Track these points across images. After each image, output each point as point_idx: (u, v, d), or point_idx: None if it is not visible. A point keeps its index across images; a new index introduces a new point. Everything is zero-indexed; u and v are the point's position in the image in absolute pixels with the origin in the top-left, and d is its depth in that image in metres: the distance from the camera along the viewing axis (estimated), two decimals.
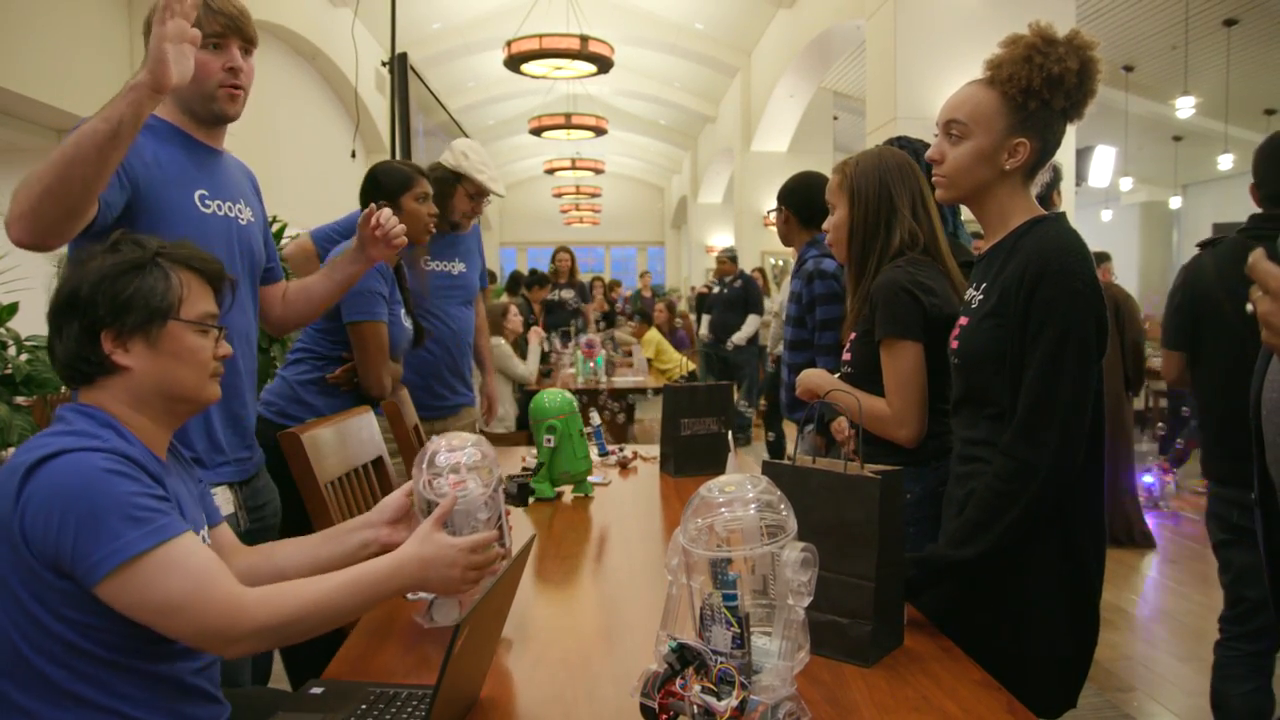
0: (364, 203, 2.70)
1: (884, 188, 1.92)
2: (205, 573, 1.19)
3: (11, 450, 2.48)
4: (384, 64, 4.74)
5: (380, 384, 2.46)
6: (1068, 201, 4.64)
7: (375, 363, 2.44)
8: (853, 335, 1.97)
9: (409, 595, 1.44)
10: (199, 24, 1.71)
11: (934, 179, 1.62)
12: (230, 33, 1.76)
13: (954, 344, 1.60)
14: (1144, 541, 4.98)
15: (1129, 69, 11.16)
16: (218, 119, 1.82)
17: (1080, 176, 8.37)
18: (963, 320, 1.60)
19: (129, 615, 1.17)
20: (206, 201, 1.79)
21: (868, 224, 1.93)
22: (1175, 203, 15.15)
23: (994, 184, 1.56)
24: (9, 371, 2.45)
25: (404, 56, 4.70)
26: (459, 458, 1.42)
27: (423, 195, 2.66)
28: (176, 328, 1.30)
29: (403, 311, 2.68)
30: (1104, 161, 9.00)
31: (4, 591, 1.18)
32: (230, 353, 1.42)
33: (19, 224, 1.43)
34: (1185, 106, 10.59)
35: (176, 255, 1.33)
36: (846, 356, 1.99)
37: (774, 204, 2.94)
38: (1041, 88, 1.48)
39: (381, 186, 2.65)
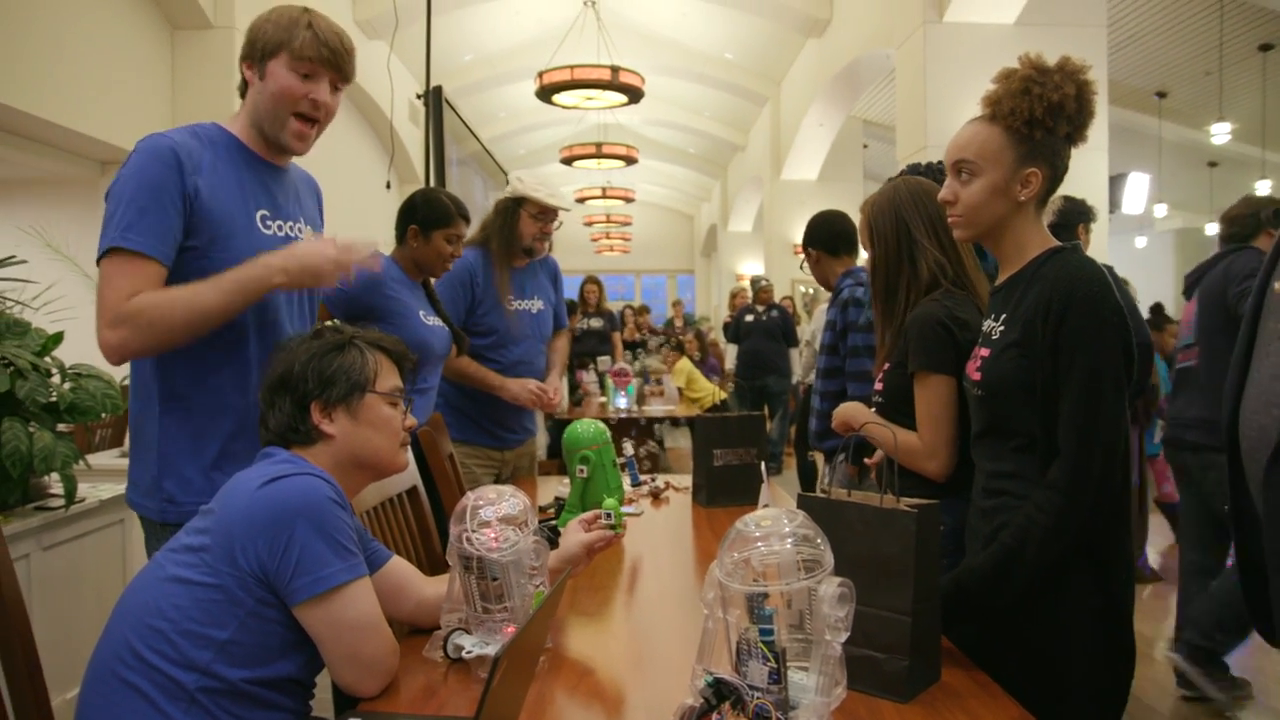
0: (399, 224, 2.74)
1: (900, 223, 1.95)
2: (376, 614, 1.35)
3: (54, 475, 2.53)
4: (419, 96, 4.81)
5: None
6: (1100, 227, 4.56)
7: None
8: (886, 366, 1.97)
9: (452, 651, 1.44)
10: (299, 49, 1.70)
11: (950, 219, 1.65)
12: (326, 66, 1.73)
13: (975, 375, 1.61)
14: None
15: (1162, 95, 11.08)
16: (283, 150, 1.80)
17: (1114, 203, 8.29)
18: (983, 351, 1.60)
19: (316, 638, 1.31)
20: (268, 223, 1.77)
21: (889, 260, 1.97)
22: (1211, 229, 14.96)
23: (1010, 216, 1.58)
24: (54, 399, 2.49)
25: (439, 90, 4.77)
26: (499, 510, 1.45)
27: (454, 237, 2.70)
28: (373, 399, 1.47)
29: (433, 316, 2.71)
30: (1137, 188, 8.94)
31: (190, 592, 1.28)
32: (416, 424, 1.57)
33: (124, 350, 1.57)
34: (1221, 132, 10.50)
35: (369, 338, 1.52)
36: (878, 387, 2.00)
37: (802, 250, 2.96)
38: (1044, 116, 1.50)
39: (417, 214, 2.69)
